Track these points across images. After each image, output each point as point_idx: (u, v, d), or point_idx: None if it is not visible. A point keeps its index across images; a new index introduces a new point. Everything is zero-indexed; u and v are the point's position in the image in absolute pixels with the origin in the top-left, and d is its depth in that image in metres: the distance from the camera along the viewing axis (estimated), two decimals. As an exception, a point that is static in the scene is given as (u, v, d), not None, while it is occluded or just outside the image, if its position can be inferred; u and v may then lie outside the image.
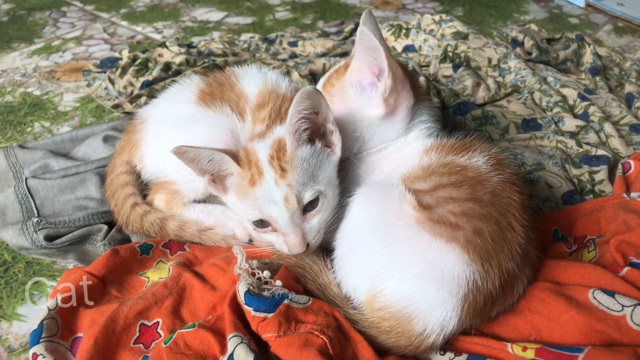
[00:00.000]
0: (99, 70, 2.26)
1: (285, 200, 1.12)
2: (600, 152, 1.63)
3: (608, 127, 1.75)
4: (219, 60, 2.23)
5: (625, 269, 1.09)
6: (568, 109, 1.89)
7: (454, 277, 1.00)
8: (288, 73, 2.04)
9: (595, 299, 1.04)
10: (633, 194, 1.34)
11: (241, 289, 1.04)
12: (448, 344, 1.06)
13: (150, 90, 1.98)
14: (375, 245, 1.05)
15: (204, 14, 2.99)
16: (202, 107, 1.39)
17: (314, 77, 2.06)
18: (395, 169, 1.19)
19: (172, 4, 3.11)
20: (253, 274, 1.09)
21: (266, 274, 1.09)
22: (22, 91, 2.15)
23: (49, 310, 1.12)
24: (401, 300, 1.02)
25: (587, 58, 2.26)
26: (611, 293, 1.03)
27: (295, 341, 0.98)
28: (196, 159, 1.16)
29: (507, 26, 2.79)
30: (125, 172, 1.46)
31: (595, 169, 1.58)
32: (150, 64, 2.20)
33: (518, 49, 2.28)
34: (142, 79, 2.08)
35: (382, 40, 1.15)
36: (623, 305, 1.01)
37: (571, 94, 1.95)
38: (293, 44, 2.48)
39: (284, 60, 2.31)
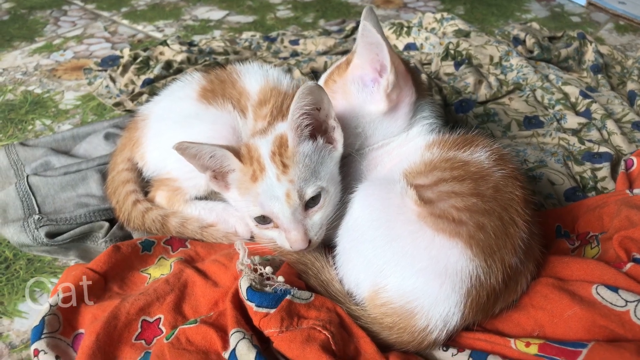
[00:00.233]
0: (100, 68, 2.26)
1: (287, 196, 1.12)
2: (603, 149, 1.62)
3: (610, 125, 1.75)
4: (220, 58, 2.22)
5: (629, 265, 1.09)
6: (570, 107, 1.88)
7: (457, 272, 0.99)
8: (289, 71, 2.04)
9: (599, 294, 1.03)
10: (636, 190, 1.34)
11: (243, 285, 1.04)
12: (451, 340, 1.06)
13: (152, 88, 1.98)
14: (378, 241, 1.05)
15: (205, 12, 2.99)
16: (204, 104, 1.38)
17: (315, 75, 2.06)
18: (397, 165, 1.19)
19: (173, 3, 3.11)
20: (255, 270, 1.09)
21: (268, 269, 1.09)
22: (23, 89, 2.15)
23: (51, 306, 1.11)
24: (404, 296, 1.01)
25: (589, 56, 2.25)
26: (614, 289, 1.03)
27: (298, 337, 0.98)
28: (198, 155, 1.15)
29: (508, 24, 2.79)
30: (127, 169, 1.45)
31: (597, 166, 1.58)
32: (151, 62, 2.20)
33: (520, 47, 2.28)
34: (143, 77, 2.08)
35: (384, 36, 1.15)
36: (626, 301, 1.00)
37: (573, 91, 1.95)
38: (294, 42, 2.48)
39: (285, 58, 2.31)
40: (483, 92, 1.96)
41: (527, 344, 0.99)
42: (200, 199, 1.41)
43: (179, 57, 2.19)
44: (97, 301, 1.17)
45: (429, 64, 2.23)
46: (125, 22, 2.85)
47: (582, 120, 1.80)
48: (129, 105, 1.96)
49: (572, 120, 1.81)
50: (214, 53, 2.32)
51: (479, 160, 1.11)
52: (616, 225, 1.21)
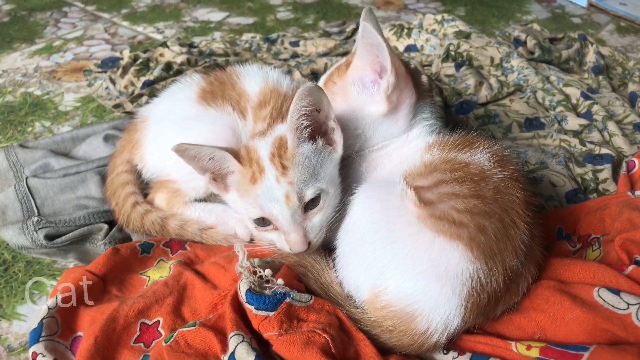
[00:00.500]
0: (100, 70, 2.26)
1: (286, 198, 1.11)
2: (604, 150, 1.62)
3: (612, 126, 1.74)
4: (220, 60, 2.22)
5: (631, 267, 1.08)
6: (571, 108, 1.88)
7: (458, 274, 0.99)
8: (290, 72, 2.03)
9: (601, 297, 1.02)
10: (637, 192, 1.33)
11: (242, 288, 1.03)
12: (451, 343, 1.05)
13: (152, 89, 1.98)
14: (378, 243, 1.05)
15: (205, 14, 2.98)
16: (203, 105, 1.38)
17: (315, 77, 2.06)
18: (397, 166, 1.18)
19: (173, 4, 3.10)
20: (254, 273, 1.08)
21: (268, 272, 1.08)
22: (22, 91, 2.15)
23: (49, 309, 1.11)
24: (404, 298, 1.01)
25: (590, 57, 2.25)
26: (616, 291, 1.02)
27: (297, 340, 0.97)
28: (197, 157, 1.15)
29: (509, 26, 2.78)
30: (126, 171, 1.45)
31: (599, 167, 1.57)
32: (151, 64, 2.20)
33: (520, 49, 2.27)
34: (143, 79, 2.07)
35: (384, 37, 1.14)
36: (628, 304, 1.00)
37: (574, 93, 1.94)
38: (294, 44, 2.48)
39: (285, 60, 2.30)
40: (484, 94, 1.95)
41: (528, 347, 0.99)
42: (200, 201, 1.41)
43: (179, 59, 2.19)
44: (96, 304, 1.16)
45: (430, 65, 2.22)
46: (125, 23, 2.85)
47: (583, 121, 1.80)
48: (129, 107, 1.96)
49: (573, 122, 1.80)
50: (214, 54, 2.32)
51: (480, 161, 1.10)
52: (618, 228, 1.20)
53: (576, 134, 1.77)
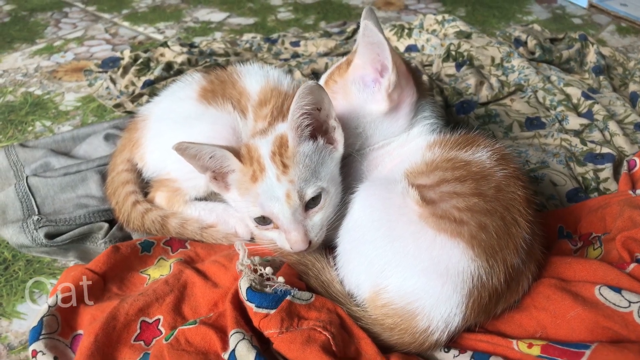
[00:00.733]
0: (100, 70, 2.26)
1: (287, 197, 1.11)
2: (605, 150, 1.62)
3: (612, 126, 1.74)
4: (220, 59, 2.22)
5: (632, 266, 1.08)
6: (572, 108, 1.87)
7: (459, 272, 0.99)
8: (290, 72, 2.03)
9: (602, 295, 1.02)
10: (639, 191, 1.33)
11: (243, 285, 1.03)
12: (452, 341, 1.05)
13: (152, 89, 1.98)
14: (379, 241, 1.04)
15: (205, 14, 2.98)
16: (204, 104, 1.38)
17: (316, 76, 2.06)
18: (398, 165, 1.18)
19: (174, 5, 3.10)
20: (255, 271, 1.08)
21: (268, 270, 1.08)
22: (23, 91, 2.15)
23: (49, 307, 1.11)
24: (405, 296, 1.00)
25: (591, 57, 2.24)
26: (618, 289, 1.02)
27: (298, 337, 0.97)
28: (197, 156, 1.15)
29: (509, 26, 2.77)
30: (127, 170, 1.45)
31: (600, 167, 1.57)
32: (151, 64, 2.20)
33: (521, 49, 2.27)
34: (143, 79, 2.08)
35: (385, 36, 1.14)
36: (630, 302, 1.00)
37: (575, 92, 1.94)
38: (295, 44, 2.48)
39: (286, 60, 2.30)
40: (484, 94, 1.95)
41: (530, 345, 0.99)
42: (200, 199, 1.40)
43: (180, 59, 2.19)
44: (96, 302, 1.16)
45: (430, 65, 2.22)
46: (125, 24, 2.85)
47: (584, 121, 1.79)
48: (129, 106, 1.96)
49: (574, 122, 1.80)
50: (214, 54, 2.32)
51: (481, 160, 1.10)
52: (619, 226, 1.20)
53: (577, 133, 1.77)
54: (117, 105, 1.99)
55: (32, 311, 1.25)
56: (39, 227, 1.34)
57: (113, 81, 2.13)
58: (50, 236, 1.34)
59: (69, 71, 2.31)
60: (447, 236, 1.00)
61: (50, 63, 2.39)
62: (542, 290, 1.08)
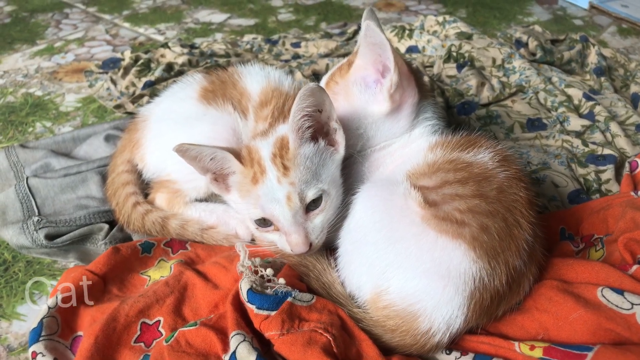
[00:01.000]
0: (101, 70, 2.25)
1: (287, 199, 1.11)
2: (607, 151, 1.61)
3: (614, 127, 1.74)
4: (221, 60, 2.21)
5: (634, 267, 1.07)
6: (573, 109, 1.87)
7: (460, 274, 0.98)
8: (291, 73, 2.03)
9: (604, 297, 1.02)
10: (641, 192, 1.32)
11: (244, 287, 1.03)
12: (454, 343, 1.05)
13: (153, 90, 1.97)
14: (380, 242, 1.04)
15: (206, 15, 2.98)
16: (204, 105, 1.37)
17: (317, 77, 2.05)
18: (400, 166, 1.17)
19: (175, 6, 3.10)
20: (256, 272, 1.08)
21: (269, 271, 1.08)
22: (23, 92, 2.15)
23: (49, 308, 1.10)
24: (406, 298, 1.00)
25: (592, 59, 2.24)
26: (620, 291, 1.02)
27: (299, 339, 0.96)
28: (198, 157, 1.14)
29: (510, 28, 2.78)
30: (127, 171, 1.44)
31: (601, 168, 1.56)
32: (152, 65, 2.19)
33: (522, 50, 2.27)
34: (144, 80, 2.07)
35: (386, 36, 1.14)
36: (632, 304, 0.99)
37: (576, 93, 1.93)
38: (296, 45, 2.47)
39: (286, 61, 2.30)
40: (485, 95, 1.95)
41: (532, 347, 0.98)
42: (201, 200, 1.40)
43: (180, 60, 2.18)
44: (96, 303, 1.16)
45: (431, 66, 2.22)
46: (126, 25, 2.85)
47: (586, 122, 1.79)
48: (130, 107, 1.95)
49: (576, 123, 1.80)
50: (215, 55, 2.31)
51: (483, 161, 1.10)
52: (621, 228, 1.19)
53: (578, 134, 1.77)
54: (118, 106, 1.99)
55: (32, 312, 1.24)
56: (39, 228, 1.34)
57: (114, 82, 2.13)
58: (50, 237, 1.33)
59: (69, 72, 2.30)
60: (449, 238, 1.00)
61: (51, 64, 2.39)
62: (544, 292, 1.07)
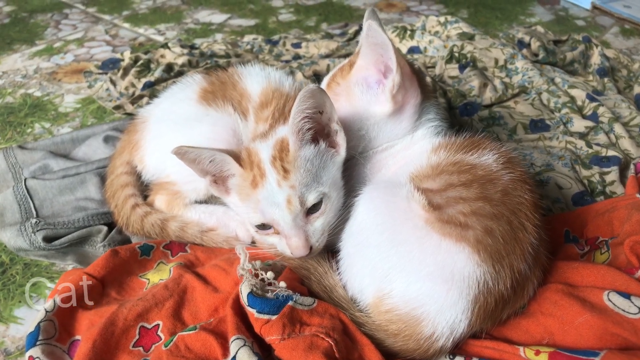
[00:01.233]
0: (100, 71, 2.24)
1: (287, 202, 1.09)
2: (611, 153, 1.60)
3: (618, 128, 1.72)
4: (221, 61, 2.20)
5: (641, 271, 1.06)
6: (577, 110, 1.86)
7: (464, 278, 0.97)
8: (292, 74, 2.01)
9: (611, 301, 1.00)
10: (646, 194, 1.31)
11: (244, 290, 1.01)
12: (457, 348, 1.03)
13: (152, 91, 1.96)
14: (383, 245, 1.02)
15: (206, 16, 2.97)
16: (204, 105, 1.36)
17: (318, 78, 2.04)
18: (403, 168, 1.16)
19: (175, 6, 3.09)
20: (256, 275, 1.06)
21: (270, 275, 1.06)
22: (22, 92, 2.13)
23: (46, 312, 1.08)
24: (409, 302, 0.99)
25: (595, 59, 2.22)
26: (627, 295, 1.00)
27: (300, 344, 0.95)
28: (197, 160, 1.13)
29: (512, 28, 2.76)
30: (126, 173, 1.43)
31: (605, 170, 1.55)
32: (152, 65, 2.18)
33: (525, 50, 2.25)
34: (143, 80, 2.06)
35: (388, 36, 1.13)
36: (639, 308, 0.97)
37: (579, 94, 1.92)
38: (296, 46, 2.46)
39: (287, 61, 2.28)
40: (488, 95, 1.93)
41: (537, 352, 0.96)
42: (200, 202, 1.39)
43: (180, 60, 2.17)
44: (95, 307, 1.14)
45: (433, 67, 2.20)
46: (126, 25, 2.83)
47: (589, 123, 1.78)
48: (129, 108, 1.94)
49: (579, 124, 1.78)
50: (215, 56, 2.30)
51: (487, 163, 1.08)
52: (627, 230, 1.18)
53: (582, 135, 1.75)
54: (117, 107, 1.97)
55: (30, 316, 1.23)
56: (37, 230, 1.32)
57: (113, 83, 2.11)
58: (48, 239, 1.32)
59: (68, 73, 2.29)
60: (453, 241, 0.98)
61: (50, 64, 2.37)
62: (549, 296, 1.06)
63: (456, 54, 2.16)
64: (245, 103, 1.37)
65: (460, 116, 1.86)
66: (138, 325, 1.08)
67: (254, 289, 1.01)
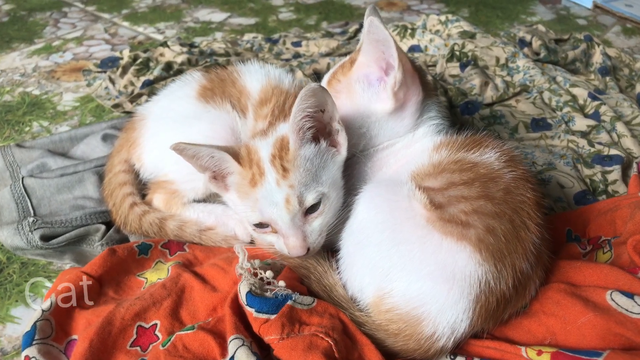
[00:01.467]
0: (99, 70, 2.23)
1: (286, 202, 1.08)
2: (613, 151, 1.59)
3: (620, 127, 1.71)
4: (221, 59, 2.19)
5: (644, 270, 1.05)
6: (578, 109, 1.85)
7: (466, 277, 0.96)
8: (292, 72, 2.00)
9: (614, 300, 0.99)
10: (650, 193, 1.30)
11: (243, 290, 1.00)
12: (459, 348, 1.02)
13: (151, 89, 1.95)
14: (383, 244, 1.01)
15: (206, 14, 2.96)
16: (203, 103, 1.35)
17: (318, 77, 2.03)
18: (404, 166, 1.15)
19: (174, 5, 3.08)
20: (255, 274, 1.05)
21: (269, 274, 1.05)
22: (21, 91, 2.12)
23: (43, 311, 1.07)
24: (410, 301, 0.97)
25: (597, 58, 2.21)
26: (630, 295, 0.99)
27: (299, 344, 0.94)
28: (196, 156, 1.12)
29: (513, 27, 2.75)
30: (124, 171, 1.42)
31: (608, 169, 1.54)
32: (151, 64, 2.17)
33: (526, 49, 2.24)
34: (143, 79, 2.05)
35: (390, 33, 1.11)
36: (643, 308, 0.96)
37: (581, 93, 1.91)
38: (297, 44, 2.45)
39: (287, 60, 2.28)
40: (489, 94, 1.92)
41: (539, 352, 0.95)
42: (199, 201, 1.37)
43: (180, 59, 2.16)
44: (92, 306, 1.13)
45: (434, 65, 2.19)
46: (125, 24, 2.82)
47: (591, 122, 1.76)
48: (128, 106, 1.93)
49: (581, 123, 1.77)
50: (215, 54, 2.29)
51: (489, 161, 1.07)
52: (630, 229, 1.17)
53: (584, 134, 1.74)
54: (116, 106, 1.96)
55: (27, 315, 1.22)
56: (35, 229, 1.31)
57: (112, 81, 2.10)
58: (45, 238, 1.31)
59: (67, 71, 2.28)
60: (454, 239, 0.97)
61: (49, 63, 2.36)
62: (552, 296, 1.05)
63: (457, 53, 2.15)
64: (244, 101, 1.36)
65: (461, 115, 1.85)
66: (135, 325, 1.07)
67: (253, 288, 1.00)
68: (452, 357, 1.01)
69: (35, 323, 1.05)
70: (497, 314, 1.00)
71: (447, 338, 0.97)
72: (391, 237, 1.01)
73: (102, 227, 1.36)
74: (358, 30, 2.58)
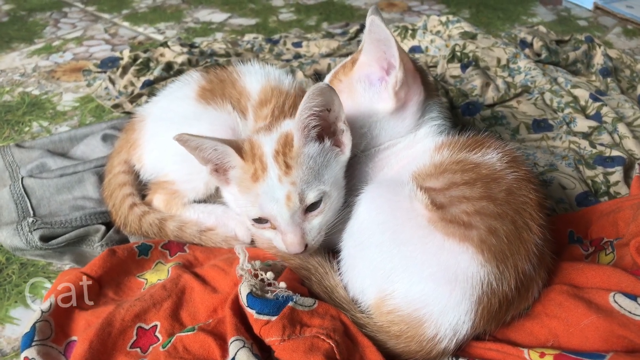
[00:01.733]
0: (99, 70, 2.23)
1: (287, 199, 1.08)
2: (615, 153, 1.58)
3: (622, 128, 1.71)
4: (221, 60, 2.19)
5: (647, 272, 1.04)
6: (580, 110, 1.84)
7: (468, 278, 0.95)
8: (292, 73, 2.00)
9: (617, 302, 0.98)
10: (652, 195, 1.29)
11: (243, 291, 0.99)
12: (460, 350, 1.01)
13: (151, 89, 1.95)
14: (385, 245, 1.01)
15: (206, 15, 2.96)
16: (203, 104, 1.34)
17: (318, 77, 2.03)
18: (405, 167, 1.15)
19: (175, 5, 3.08)
20: (256, 275, 1.05)
21: (269, 275, 1.05)
22: (20, 91, 2.12)
23: (42, 312, 1.07)
24: (412, 303, 0.97)
25: (598, 59, 2.21)
26: (633, 297, 0.98)
27: (300, 346, 0.93)
28: (199, 148, 1.11)
29: (514, 28, 2.75)
30: (124, 172, 1.41)
31: (609, 170, 1.53)
32: (151, 64, 2.16)
33: (527, 50, 2.23)
34: (143, 79, 2.05)
35: (392, 33, 1.11)
36: (646, 310, 0.96)
37: (583, 94, 1.91)
38: (297, 45, 2.45)
39: (287, 60, 2.27)
40: (490, 95, 1.92)
41: (542, 355, 0.95)
42: (199, 202, 1.37)
43: (180, 59, 2.15)
44: (92, 307, 1.13)
45: (435, 66, 2.19)
46: (125, 24, 2.82)
47: (593, 123, 1.76)
48: (128, 107, 1.93)
49: (582, 124, 1.77)
50: (215, 55, 2.29)
51: (491, 162, 1.07)
52: (633, 231, 1.16)
53: (586, 135, 1.74)
54: (116, 106, 1.96)
55: (26, 316, 1.21)
56: (34, 230, 1.31)
57: (112, 81, 2.10)
58: (45, 239, 1.30)
59: (67, 71, 2.27)
60: (456, 241, 0.97)
61: (49, 63, 2.36)
62: (554, 297, 1.04)
63: (458, 53, 2.15)
64: (244, 101, 1.35)
65: (462, 116, 1.84)
66: (135, 326, 1.06)
67: (254, 289, 1.00)
68: (454, 359, 1.00)
69: (34, 324, 1.04)
70: (499, 316, 1.00)
71: (449, 340, 0.97)
72: (392, 238, 1.00)
73: (102, 228, 1.36)
74: (359, 31, 2.58)
